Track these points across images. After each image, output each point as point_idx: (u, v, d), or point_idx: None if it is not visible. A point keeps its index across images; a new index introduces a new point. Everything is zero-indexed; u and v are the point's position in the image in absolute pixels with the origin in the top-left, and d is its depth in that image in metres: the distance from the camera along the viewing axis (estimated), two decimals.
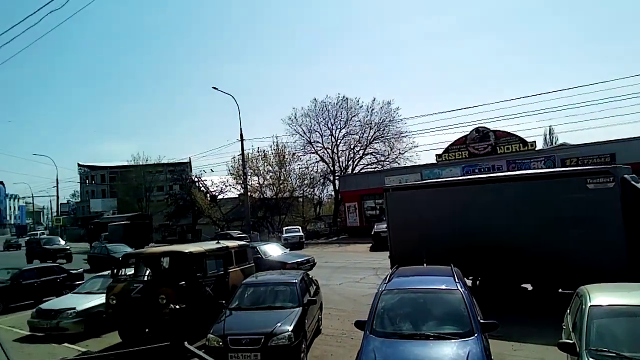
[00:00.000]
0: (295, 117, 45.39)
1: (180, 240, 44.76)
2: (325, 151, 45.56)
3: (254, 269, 12.33)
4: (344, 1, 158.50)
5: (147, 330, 10.00)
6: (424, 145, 53.68)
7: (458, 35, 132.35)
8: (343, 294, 13.94)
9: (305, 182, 45.80)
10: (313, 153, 45.78)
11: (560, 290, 10.71)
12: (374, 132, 43.77)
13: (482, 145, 32.79)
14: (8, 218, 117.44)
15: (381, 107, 43.38)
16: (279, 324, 7.48)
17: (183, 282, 9.33)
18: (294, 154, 44.56)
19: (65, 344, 10.01)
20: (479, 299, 10.42)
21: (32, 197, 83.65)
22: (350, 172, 43.85)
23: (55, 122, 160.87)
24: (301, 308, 8.26)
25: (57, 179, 57.20)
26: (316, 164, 46.22)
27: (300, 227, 35.25)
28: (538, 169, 28.74)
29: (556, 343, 5.25)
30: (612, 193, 9.90)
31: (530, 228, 10.84)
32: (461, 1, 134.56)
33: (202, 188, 48.72)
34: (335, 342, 9.07)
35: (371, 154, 45.09)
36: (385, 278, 7.35)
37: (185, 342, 2.46)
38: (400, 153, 43.61)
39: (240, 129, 35.85)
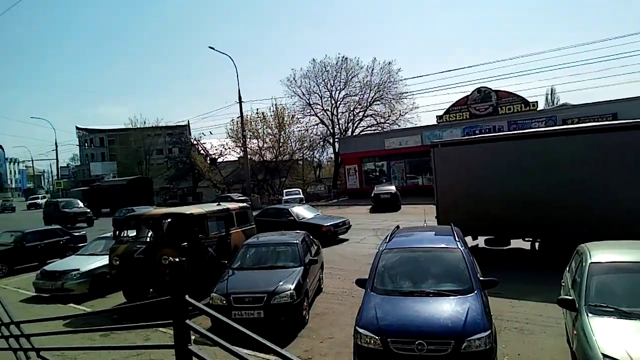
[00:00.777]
0: (294, 79, 44.82)
1: (181, 203, 45.07)
2: (325, 113, 45.22)
3: (255, 230, 12.43)
4: None
5: (150, 290, 10.19)
6: (425, 107, 53.55)
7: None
8: (343, 254, 14.12)
9: (305, 144, 45.70)
10: (312, 115, 45.49)
11: None
12: (374, 94, 43.28)
13: (483, 105, 32.46)
14: (9, 182, 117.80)
15: (381, 68, 42.73)
16: (280, 283, 7.60)
17: (185, 243, 9.42)
18: (293, 116, 44.22)
19: (71, 304, 10.21)
20: (539, 261, 10.67)
21: (32, 160, 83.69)
22: (350, 135, 43.59)
23: (52, 84, 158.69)
24: (302, 267, 8.37)
25: (55, 143, 57.05)
26: (316, 127, 46.02)
27: (300, 190, 35.40)
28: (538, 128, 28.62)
29: (555, 300, 5.32)
30: None
31: (605, 183, 9.97)
32: None
33: (202, 151, 48.61)
34: (336, 300, 9.25)
35: (371, 115, 44.74)
36: (386, 238, 7.40)
37: (187, 296, 2.45)
38: (400, 114, 43.29)
39: (239, 90, 35.42)
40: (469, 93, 33.26)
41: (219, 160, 46.57)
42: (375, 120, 44.76)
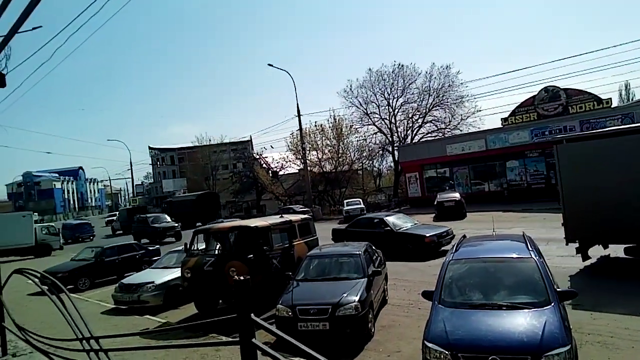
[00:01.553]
0: (350, 89, 44.89)
1: (246, 215, 46.45)
2: (383, 122, 44.83)
3: (317, 241, 12.49)
4: None
5: (220, 301, 10.53)
6: (488, 110, 51.41)
7: None
8: (408, 264, 13.82)
9: (364, 154, 45.55)
10: (370, 124, 45.22)
11: None
12: (433, 99, 42.33)
13: (552, 105, 30.71)
14: (89, 201, 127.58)
15: (440, 72, 41.71)
16: (345, 295, 7.55)
17: (251, 255, 9.66)
18: (351, 126, 44.27)
19: (147, 316, 10.77)
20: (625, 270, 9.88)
21: (110, 180, 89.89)
22: (409, 142, 42.86)
23: (124, 108, 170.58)
24: (366, 279, 8.27)
25: (130, 162, 61.14)
26: (374, 136, 45.68)
27: (361, 200, 35.20)
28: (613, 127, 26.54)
29: None
30: None
31: None
32: None
33: (264, 165, 49.94)
34: (402, 312, 9.05)
35: (431, 122, 43.76)
36: (453, 247, 7.15)
37: (252, 314, 2.49)
38: (462, 119, 41.97)
39: (297, 104, 36.16)
40: (535, 93, 31.62)
41: (280, 173, 47.57)
42: (436, 126, 43.74)
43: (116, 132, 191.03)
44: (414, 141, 43.02)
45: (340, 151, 43.06)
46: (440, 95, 41.97)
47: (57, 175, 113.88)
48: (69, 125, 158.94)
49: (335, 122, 43.10)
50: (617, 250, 10.98)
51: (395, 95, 43.64)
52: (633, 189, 9.70)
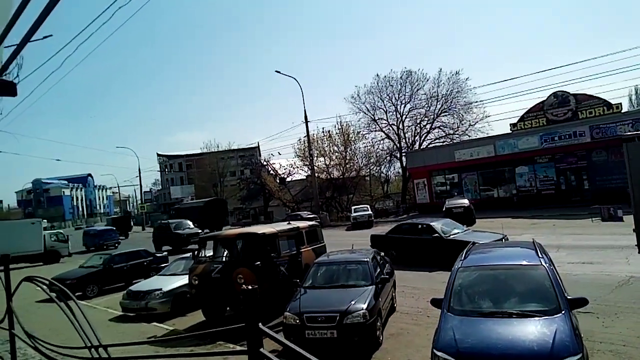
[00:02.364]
0: (358, 95, 44.95)
1: (254, 222, 46.48)
2: (391, 128, 44.78)
3: (325, 248, 12.46)
4: None
5: (227, 308, 10.52)
6: (497, 115, 51.15)
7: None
8: (416, 272, 13.72)
9: (372, 160, 45.54)
10: (378, 130, 45.18)
11: None
12: (441, 105, 42.25)
13: (561, 110, 30.48)
14: (98, 208, 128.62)
15: (448, 78, 41.66)
16: (353, 302, 7.50)
17: (258, 262, 9.66)
18: (358, 132, 44.30)
19: (154, 323, 10.78)
20: None
21: (118, 187, 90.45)
22: (417, 148, 42.76)
23: (133, 115, 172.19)
24: (374, 286, 8.22)
25: (139, 169, 61.38)
26: (382, 142, 45.62)
27: (368, 206, 35.10)
28: (625, 133, 26.27)
29: None
30: None
31: None
32: None
33: (271, 171, 50.05)
34: (411, 319, 8.97)
35: (439, 127, 43.66)
36: (462, 255, 7.09)
37: (260, 324, 2.48)
38: (470, 125, 41.83)
39: (305, 110, 36.28)
40: (544, 98, 31.43)
41: (288, 179, 47.64)
42: (444, 131, 43.61)
43: (125, 139, 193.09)
44: (422, 147, 42.92)
45: (348, 157, 43.09)
46: (449, 101, 41.91)
47: (66, 182, 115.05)
48: (78, 132, 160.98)
49: (343, 128, 43.18)
50: None
51: (403, 101, 43.66)
52: None
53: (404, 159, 43.62)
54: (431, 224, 14.65)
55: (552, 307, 5.31)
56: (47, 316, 11.18)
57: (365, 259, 9.11)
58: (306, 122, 36.33)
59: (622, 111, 29.27)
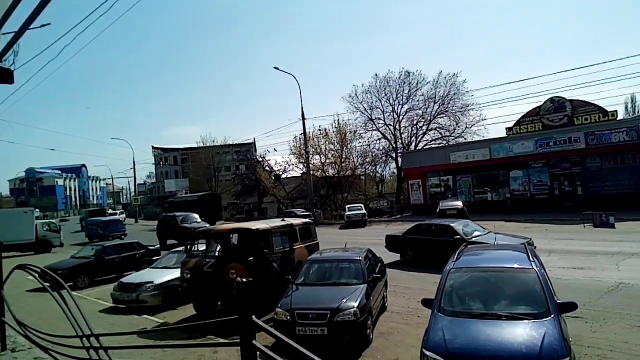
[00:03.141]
0: (355, 94, 45.05)
1: (248, 218, 46.42)
2: (387, 128, 44.90)
3: (318, 245, 12.48)
4: None
5: (219, 303, 10.53)
6: (493, 118, 51.30)
7: (528, 2, 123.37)
8: (408, 271, 13.78)
9: (367, 159, 45.61)
10: (374, 130, 45.28)
11: None
12: (438, 107, 42.36)
13: (557, 116, 30.65)
14: (91, 199, 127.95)
15: (446, 80, 41.75)
16: (344, 300, 7.53)
17: (251, 258, 9.67)
18: (355, 131, 44.31)
19: (145, 316, 10.76)
20: None
21: (112, 178, 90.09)
22: (413, 149, 42.86)
23: (129, 107, 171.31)
24: (366, 285, 8.26)
25: (133, 161, 61.28)
26: (378, 141, 45.75)
27: (362, 205, 35.20)
28: (619, 140, 26.49)
29: None
30: None
31: None
32: None
33: (267, 167, 49.96)
34: (401, 319, 9.02)
35: (435, 129, 43.77)
36: (454, 256, 7.13)
37: (253, 316, 2.50)
38: (466, 127, 42.00)
39: (302, 108, 36.26)
40: (540, 103, 31.59)
41: (283, 176, 47.58)
42: (440, 133, 43.73)
43: (120, 130, 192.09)
44: (417, 148, 43.03)
45: (344, 156, 43.11)
46: (446, 103, 42.03)
47: (59, 172, 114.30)
48: (73, 122, 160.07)
49: (339, 126, 43.18)
50: None
51: (401, 102, 43.77)
52: None
53: (399, 159, 43.75)
54: (452, 225, 14.09)
55: (542, 310, 5.37)
56: (37, 305, 11.15)
57: (358, 258, 9.14)
58: (303, 119, 36.31)
59: (618, 119, 29.46)
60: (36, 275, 5.44)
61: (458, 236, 13.23)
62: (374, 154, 45.88)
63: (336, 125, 43.27)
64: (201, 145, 67.72)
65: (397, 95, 43.52)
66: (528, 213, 26.86)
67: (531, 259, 6.38)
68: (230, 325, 2.70)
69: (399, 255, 15.58)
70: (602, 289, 9.86)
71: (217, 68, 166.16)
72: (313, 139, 42.41)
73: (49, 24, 7.85)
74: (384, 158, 46.72)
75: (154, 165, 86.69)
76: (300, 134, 39.25)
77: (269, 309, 8.31)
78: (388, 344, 7.67)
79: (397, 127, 44.40)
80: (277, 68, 34.17)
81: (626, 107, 51.55)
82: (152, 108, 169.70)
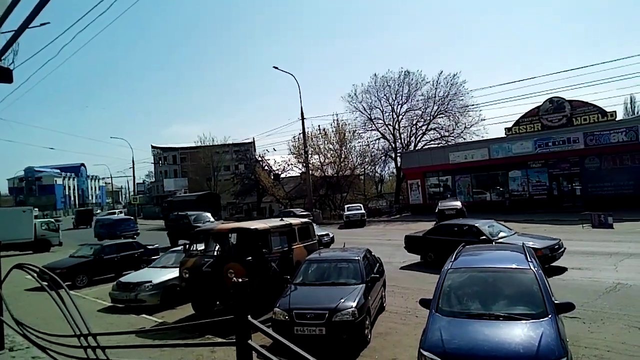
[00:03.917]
0: (355, 94, 45.04)
1: (247, 217, 46.41)
2: (387, 128, 44.89)
3: (317, 245, 12.49)
4: None
5: (217, 302, 10.53)
6: (492, 119, 51.32)
7: (529, 1, 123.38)
8: (407, 272, 13.81)
9: (367, 159, 45.65)
10: (374, 130, 45.27)
11: None
12: (438, 107, 42.35)
13: (556, 116, 30.67)
14: (90, 198, 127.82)
15: (446, 81, 41.77)
16: (342, 300, 7.54)
17: (250, 258, 9.67)
18: (354, 131, 44.32)
19: (143, 315, 10.77)
20: None
21: (111, 177, 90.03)
22: (412, 149, 42.88)
23: (129, 106, 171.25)
24: (364, 285, 8.27)
25: (133, 161, 61.26)
26: (377, 141, 45.75)
27: (362, 205, 35.22)
28: (618, 141, 26.52)
29: None
30: None
31: None
32: None
33: (266, 167, 49.96)
34: (399, 319, 9.03)
35: (434, 129, 43.76)
36: (452, 256, 7.15)
37: (249, 316, 2.51)
38: (465, 127, 41.97)
39: (301, 107, 36.27)
40: (540, 104, 31.61)
41: (282, 176, 47.57)
42: (439, 133, 43.73)
43: (119, 130, 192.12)
44: (416, 148, 43.04)
45: (343, 156, 43.12)
46: (445, 103, 42.01)
47: (58, 171, 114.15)
48: (72, 121, 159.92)
49: (339, 126, 43.19)
50: None
51: (400, 102, 43.76)
52: None
53: (398, 159, 43.77)
54: (477, 225, 13.52)
55: (539, 311, 5.38)
56: (36, 304, 11.15)
57: (357, 258, 9.16)
58: (302, 118, 36.30)
59: (617, 119, 29.48)
60: (34, 274, 5.44)
61: (484, 237, 12.69)
62: (373, 154, 45.94)
63: (335, 125, 43.33)
64: (200, 144, 67.73)
65: (396, 95, 43.56)
66: (527, 213, 26.87)
67: (529, 260, 6.40)
68: (228, 325, 2.71)
69: (419, 256, 15.18)
70: (600, 290, 9.87)
71: (217, 67, 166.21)
72: (312, 139, 42.42)
73: (49, 22, 7.85)
74: (383, 158, 46.76)
75: (153, 165, 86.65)
76: (300, 133, 39.27)
77: (267, 309, 8.32)
78: (386, 344, 7.68)
79: (396, 127, 44.44)
80: (276, 68, 34.19)
81: (625, 108, 51.63)
82: (152, 107, 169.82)
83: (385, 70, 60.05)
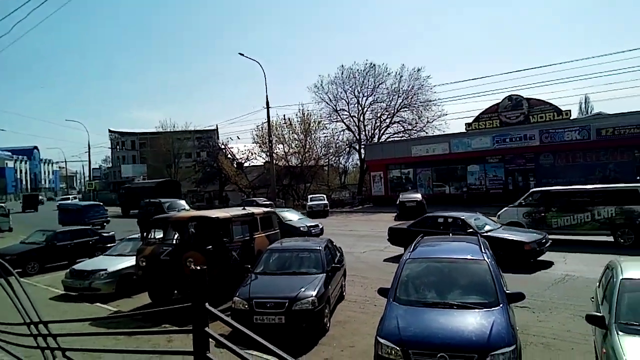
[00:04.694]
0: (321, 85, 45.04)
1: (208, 206, 45.70)
2: (352, 119, 45.23)
3: (279, 235, 12.47)
4: None
5: (175, 291, 10.35)
6: (454, 114, 52.59)
7: (491, 1, 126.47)
8: (367, 262, 14.02)
9: (331, 150, 45.78)
10: (339, 121, 45.52)
11: None
12: (402, 100, 43.04)
13: (514, 113, 31.78)
14: (43, 182, 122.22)
15: (410, 75, 42.42)
16: (302, 289, 7.59)
17: (210, 247, 9.55)
18: (319, 122, 44.37)
19: (98, 304, 10.44)
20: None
21: (65, 162, 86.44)
22: (376, 141, 43.40)
23: (85, 89, 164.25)
24: (325, 274, 8.34)
25: (89, 145, 58.99)
26: (342, 133, 46.04)
27: (325, 196, 35.38)
28: (572, 139, 27.80)
29: (585, 315, 5.13)
30: None
31: None
32: None
33: (229, 155, 49.25)
34: (358, 308, 9.17)
35: (398, 122, 44.51)
36: (410, 247, 7.31)
37: (207, 304, 2.47)
38: (428, 121, 42.92)
39: (267, 95, 36.09)
40: (499, 101, 32.65)
41: (245, 164, 47.07)
42: (402, 127, 44.50)
43: (75, 112, 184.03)
44: (380, 140, 43.59)
45: (307, 146, 43.12)
46: (409, 97, 42.71)
47: (9, 154, 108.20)
48: (25, 102, 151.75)
49: (304, 116, 43.11)
50: None
51: (365, 94, 44.15)
52: None
53: (362, 151, 44.22)
54: (463, 217, 13.41)
55: (492, 300, 5.59)
56: None
57: (318, 248, 9.21)
58: (267, 107, 35.95)
59: (571, 118, 30.84)
60: None
61: (471, 230, 12.61)
62: (337, 145, 46.16)
63: (301, 115, 43.23)
64: (161, 130, 66.01)
65: (362, 87, 43.89)
66: (483, 207, 27.66)
67: (483, 251, 6.63)
68: (186, 313, 2.67)
69: (402, 249, 15.17)
70: (550, 281, 10.37)
71: (180, 52, 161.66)
72: (277, 128, 42.18)
73: None
74: (347, 149, 47.09)
75: (110, 150, 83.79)
76: (264, 122, 38.93)
77: (227, 298, 8.26)
78: (344, 332, 7.79)
79: (361, 119, 44.83)
80: (242, 54, 33.66)
81: (580, 107, 54.20)
82: (111, 90, 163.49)
83: (352, 62, 60.36)
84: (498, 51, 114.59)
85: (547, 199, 15.77)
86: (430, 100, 42.15)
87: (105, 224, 29.42)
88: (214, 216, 10.30)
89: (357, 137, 45.09)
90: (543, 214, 15.59)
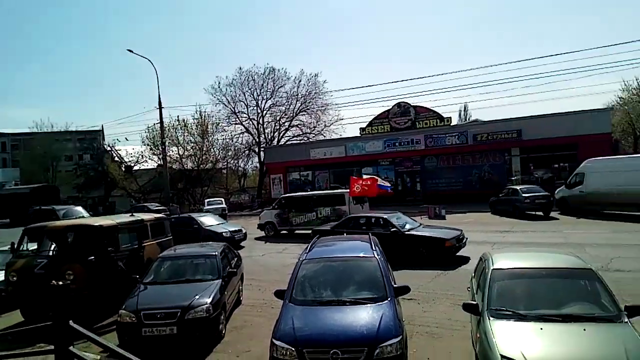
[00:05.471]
0: (219, 86, 44.36)
1: (92, 213, 42.08)
2: (251, 122, 44.97)
3: (172, 242, 11.91)
4: None
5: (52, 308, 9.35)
6: (350, 119, 54.89)
7: (389, 11, 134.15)
8: (265, 265, 13.97)
9: (230, 153, 44.99)
10: (238, 124, 45.02)
11: None
12: (300, 104, 43.88)
13: (402, 119, 33.96)
14: None
15: (308, 79, 43.39)
16: (197, 297, 7.32)
17: (92, 257, 8.79)
18: (217, 124, 43.39)
19: None
20: None
21: None
22: (275, 144, 43.58)
23: None
24: (221, 280, 8.14)
25: None
26: (241, 135, 45.55)
27: (223, 199, 34.62)
28: (452, 143, 30.55)
29: (462, 304, 5.61)
30: None
31: None
32: None
33: (116, 158, 45.89)
34: (255, 312, 9.08)
35: (297, 126, 45.23)
36: (306, 248, 7.42)
37: (70, 321, 2.25)
38: (325, 125, 44.23)
39: (159, 95, 34.45)
40: (389, 107, 34.70)
41: (135, 168, 44.22)
42: (301, 130, 45.30)
43: None
44: (280, 143, 43.85)
45: (204, 149, 41.86)
46: (307, 101, 43.67)
47: None
48: None
49: (202, 118, 41.81)
50: None
51: (265, 97, 44.22)
52: None
53: (262, 153, 44.08)
54: (385, 217, 13.65)
55: (381, 294, 5.89)
56: None
57: (214, 253, 8.97)
58: (160, 107, 34.14)
59: (452, 124, 33.82)
60: None
61: (395, 229, 12.97)
62: (236, 148, 45.55)
63: (197, 117, 41.86)
64: (36, 131, 59.47)
65: (261, 90, 43.92)
66: (374, 206, 29.26)
67: (373, 249, 6.96)
68: (47, 331, 2.39)
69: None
70: (432, 274, 11.21)
71: (61, 44, 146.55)
72: (171, 130, 40.31)
73: None
74: (246, 152, 46.68)
75: None
76: (155, 123, 36.98)
77: (114, 312, 7.65)
78: (240, 337, 7.66)
79: (260, 122, 44.74)
80: (131, 51, 31.56)
81: (460, 114, 59.69)
82: None
83: (251, 64, 60.04)
84: (389, 59, 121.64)
85: (289, 203, 20.31)
86: (327, 105, 43.53)
87: None
88: (96, 224, 9.50)
89: (257, 139, 44.91)
90: (287, 215, 19.95)
